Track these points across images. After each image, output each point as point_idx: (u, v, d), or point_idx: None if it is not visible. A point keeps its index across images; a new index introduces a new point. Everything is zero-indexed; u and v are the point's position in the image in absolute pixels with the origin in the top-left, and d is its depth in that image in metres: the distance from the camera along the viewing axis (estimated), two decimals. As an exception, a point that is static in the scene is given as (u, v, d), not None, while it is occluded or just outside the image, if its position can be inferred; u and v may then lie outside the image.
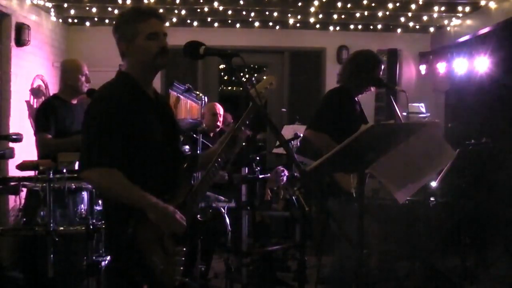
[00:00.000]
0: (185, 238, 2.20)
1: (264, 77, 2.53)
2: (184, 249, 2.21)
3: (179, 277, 2.20)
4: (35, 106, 5.73)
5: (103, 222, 3.11)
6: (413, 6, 6.02)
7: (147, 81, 2.32)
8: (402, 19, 6.45)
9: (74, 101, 3.99)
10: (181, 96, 4.78)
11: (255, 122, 2.37)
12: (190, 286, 2.28)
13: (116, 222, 2.19)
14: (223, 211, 4.05)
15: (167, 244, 2.15)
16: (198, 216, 2.35)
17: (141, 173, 2.17)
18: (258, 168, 4.09)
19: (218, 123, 5.13)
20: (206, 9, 6.12)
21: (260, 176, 4.07)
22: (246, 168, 4.16)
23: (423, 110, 6.43)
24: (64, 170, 3.21)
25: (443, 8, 6.04)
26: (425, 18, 6.45)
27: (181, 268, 2.20)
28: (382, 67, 3.70)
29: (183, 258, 2.21)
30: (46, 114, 3.86)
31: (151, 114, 2.24)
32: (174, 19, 6.48)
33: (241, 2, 5.93)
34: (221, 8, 6.09)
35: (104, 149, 2.09)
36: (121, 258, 2.17)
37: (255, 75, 7.78)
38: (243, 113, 2.37)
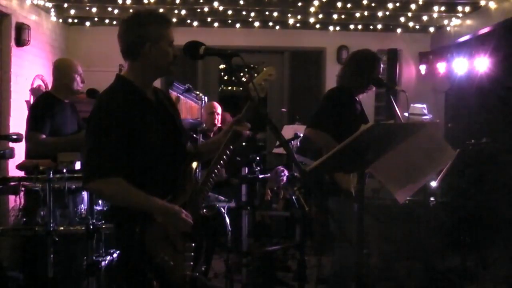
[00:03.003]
0: (193, 234, 2.25)
1: (264, 69, 2.50)
2: (193, 245, 2.26)
3: (189, 272, 2.24)
4: (35, 106, 5.72)
5: (103, 222, 3.12)
6: (413, 6, 6.01)
7: (149, 84, 2.34)
8: (402, 19, 6.45)
9: (67, 100, 3.96)
10: (181, 96, 4.79)
11: (255, 122, 2.36)
12: (200, 280, 2.30)
13: (123, 221, 2.23)
14: (223, 211, 4.05)
15: (176, 241, 2.20)
16: (204, 210, 2.37)
17: (143, 177, 2.20)
18: (258, 168, 4.09)
19: (216, 121, 5.14)
20: (206, 9, 6.12)
21: (260, 176, 4.07)
22: (246, 168, 4.16)
23: (425, 111, 6.43)
24: (64, 170, 3.20)
25: (443, 8, 6.04)
26: (425, 18, 6.45)
27: (191, 263, 2.25)
28: (382, 65, 3.70)
29: (193, 254, 2.26)
30: (41, 112, 3.78)
31: (152, 118, 2.26)
32: (174, 19, 6.48)
33: (241, 2, 5.93)
34: (221, 8, 6.10)
35: (108, 159, 2.12)
36: (131, 257, 2.21)
37: (255, 74, 7.75)
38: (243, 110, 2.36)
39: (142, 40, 2.22)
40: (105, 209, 3.25)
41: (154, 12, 2.39)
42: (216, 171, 2.35)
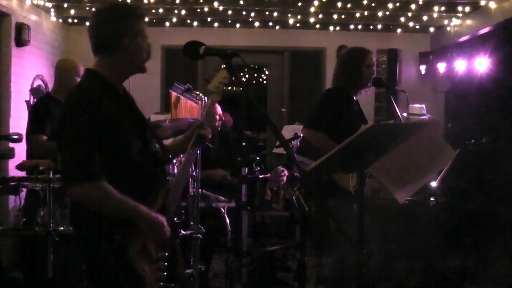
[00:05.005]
0: (166, 243, 2.16)
1: (217, 73, 2.47)
2: (166, 254, 2.17)
3: (163, 283, 2.15)
4: (34, 106, 5.72)
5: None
6: (413, 6, 6.01)
7: (121, 81, 2.21)
8: (402, 19, 6.45)
9: None
10: (181, 96, 4.79)
11: (255, 122, 2.37)
12: None
13: (100, 230, 2.02)
14: (223, 211, 4.05)
15: (150, 250, 2.09)
16: (175, 218, 2.30)
17: (123, 179, 2.05)
18: (258, 168, 4.09)
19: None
20: (206, 9, 6.12)
21: (260, 176, 4.08)
22: (246, 168, 4.16)
23: (424, 111, 6.42)
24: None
25: (443, 8, 6.04)
26: (425, 18, 6.44)
27: (165, 273, 2.16)
28: (372, 58, 3.67)
29: (166, 263, 2.17)
30: (41, 115, 3.80)
31: (127, 115, 2.13)
32: (174, 19, 6.48)
33: (241, 2, 5.93)
34: (221, 8, 6.09)
35: (90, 162, 1.93)
36: (109, 268, 2.01)
37: (255, 75, 7.77)
38: (240, 112, 2.38)
39: (121, 33, 2.09)
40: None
41: (130, 6, 2.31)
42: (184, 174, 2.34)
